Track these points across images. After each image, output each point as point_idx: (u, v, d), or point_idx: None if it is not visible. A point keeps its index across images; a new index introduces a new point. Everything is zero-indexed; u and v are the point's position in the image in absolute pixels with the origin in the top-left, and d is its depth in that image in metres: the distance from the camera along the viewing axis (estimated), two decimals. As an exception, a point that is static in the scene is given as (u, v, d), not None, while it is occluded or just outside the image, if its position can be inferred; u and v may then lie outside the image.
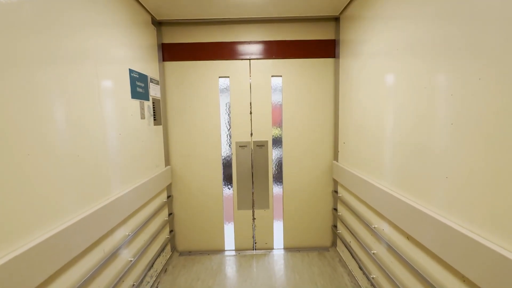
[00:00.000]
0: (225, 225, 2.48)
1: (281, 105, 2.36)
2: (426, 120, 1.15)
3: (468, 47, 0.92)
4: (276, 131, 2.40)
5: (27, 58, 0.94)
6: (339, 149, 2.29)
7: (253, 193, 2.45)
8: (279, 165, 2.43)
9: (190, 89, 2.32)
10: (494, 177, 0.85)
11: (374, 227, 1.64)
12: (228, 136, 2.39)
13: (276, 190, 2.46)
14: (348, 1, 1.93)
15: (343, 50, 2.14)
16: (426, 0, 1.12)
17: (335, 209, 2.40)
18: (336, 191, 2.37)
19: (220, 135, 2.38)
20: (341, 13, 2.14)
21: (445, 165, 1.04)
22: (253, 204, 2.46)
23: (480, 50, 0.88)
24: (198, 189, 2.43)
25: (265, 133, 2.38)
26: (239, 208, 2.46)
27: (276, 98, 2.37)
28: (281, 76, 2.32)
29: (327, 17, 2.22)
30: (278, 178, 2.45)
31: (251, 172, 2.42)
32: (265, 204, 2.46)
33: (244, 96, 2.34)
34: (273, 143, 2.41)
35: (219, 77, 2.32)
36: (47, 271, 0.97)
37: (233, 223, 2.48)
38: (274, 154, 2.42)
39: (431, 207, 1.14)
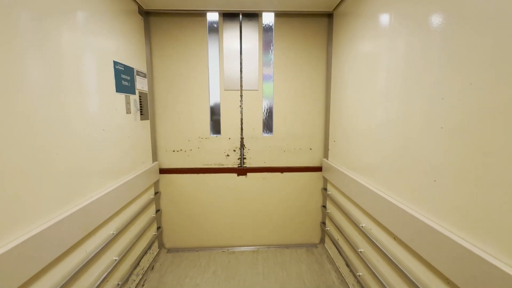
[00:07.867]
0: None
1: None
2: (415, 122, 1.14)
3: (459, 51, 0.91)
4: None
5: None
6: (329, 147, 2.29)
7: None
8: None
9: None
10: (481, 183, 0.85)
11: (362, 226, 1.66)
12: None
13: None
14: (342, -3, 1.90)
15: (335, 47, 2.12)
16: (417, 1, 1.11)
17: (324, 206, 2.42)
18: (325, 189, 2.38)
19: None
20: (334, 9, 2.10)
21: (434, 169, 1.05)
22: None
23: (471, 55, 0.87)
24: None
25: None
26: None
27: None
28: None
29: (320, 12, 2.18)
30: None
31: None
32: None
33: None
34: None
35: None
36: (23, 276, 0.92)
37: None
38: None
39: (418, 209, 1.14)
